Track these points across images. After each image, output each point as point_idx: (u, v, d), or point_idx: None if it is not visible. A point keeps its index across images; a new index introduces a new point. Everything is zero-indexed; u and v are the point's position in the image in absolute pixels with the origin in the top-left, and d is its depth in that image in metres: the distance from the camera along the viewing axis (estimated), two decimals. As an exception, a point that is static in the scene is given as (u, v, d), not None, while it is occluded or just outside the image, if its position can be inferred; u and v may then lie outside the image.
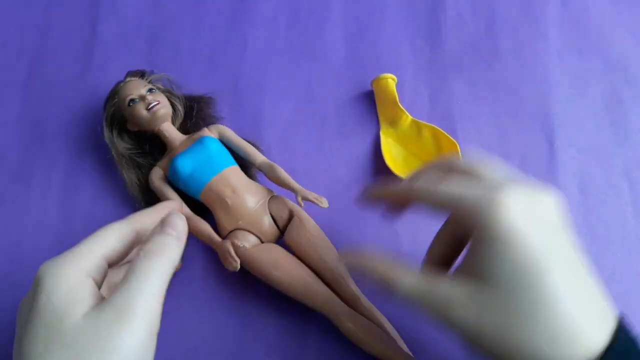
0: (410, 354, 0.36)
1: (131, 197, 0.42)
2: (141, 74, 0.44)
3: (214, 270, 0.41)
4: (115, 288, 0.24)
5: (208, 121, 0.45)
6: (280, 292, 0.37)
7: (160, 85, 0.45)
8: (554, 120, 0.46)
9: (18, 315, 0.27)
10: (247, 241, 0.38)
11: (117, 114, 0.43)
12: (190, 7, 0.51)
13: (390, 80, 0.45)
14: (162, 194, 0.41)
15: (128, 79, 0.43)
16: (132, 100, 0.41)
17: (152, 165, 0.42)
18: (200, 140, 0.41)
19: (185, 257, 0.40)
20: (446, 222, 0.33)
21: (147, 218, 0.30)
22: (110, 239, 0.27)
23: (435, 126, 0.44)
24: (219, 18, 0.51)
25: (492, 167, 0.28)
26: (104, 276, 0.27)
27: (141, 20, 0.51)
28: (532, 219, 0.24)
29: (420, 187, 0.29)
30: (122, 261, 0.29)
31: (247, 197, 0.39)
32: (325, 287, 0.37)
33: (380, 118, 0.45)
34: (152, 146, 0.44)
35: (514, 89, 0.47)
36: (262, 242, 0.39)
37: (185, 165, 0.39)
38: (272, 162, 0.41)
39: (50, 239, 0.42)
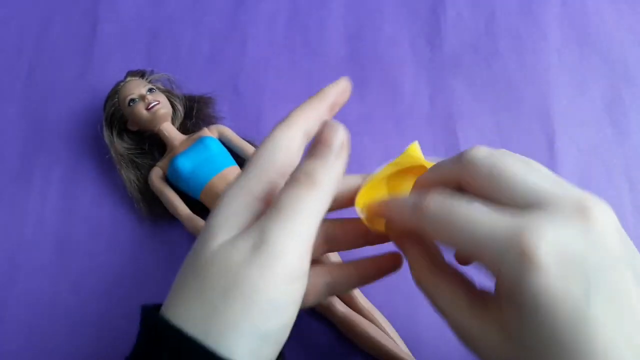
0: (409, 353, 0.36)
1: (130, 197, 0.42)
2: (141, 74, 0.44)
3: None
4: (259, 216, 0.21)
5: (208, 121, 0.45)
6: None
7: (160, 85, 0.45)
8: (554, 120, 0.46)
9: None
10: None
11: (117, 114, 0.43)
12: (190, 6, 0.51)
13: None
14: (161, 193, 0.41)
15: (128, 78, 0.43)
16: (132, 100, 0.41)
17: (151, 165, 0.43)
18: (200, 140, 0.41)
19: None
20: None
21: (312, 115, 0.25)
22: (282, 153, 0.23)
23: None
24: (219, 18, 0.51)
25: (514, 175, 0.21)
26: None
27: (141, 20, 0.51)
28: (574, 269, 0.18)
29: (428, 217, 0.21)
30: None
31: (247, 197, 0.39)
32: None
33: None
34: (152, 146, 0.44)
35: (514, 88, 0.47)
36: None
37: (185, 165, 0.39)
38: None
39: (50, 239, 0.42)
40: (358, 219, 0.26)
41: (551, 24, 0.50)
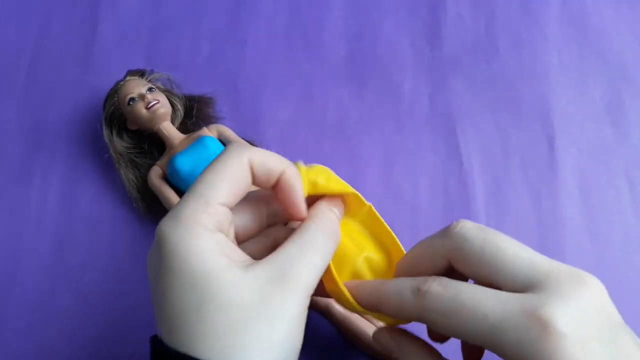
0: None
1: (129, 196, 0.42)
2: (141, 73, 0.44)
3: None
4: (278, 249, 0.22)
5: (208, 121, 0.45)
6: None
7: (160, 85, 0.45)
8: (554, 120, 0.46)
9: (149, 271, 0.23)
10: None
11: (116, 113, 0.43)
12: (190, 7, 0.51)
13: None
14: (160, 193, 0.41)
15: (128, 78, 0.43)
16: (132, 99, 0.41)
17: (150, 165, 0.43)
18: (200, 139, 0.41)
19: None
20: None
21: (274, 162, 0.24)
22: (229, 181, 0.22)
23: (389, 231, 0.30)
24: (219, 18, 0.51)
25: (509, 253, 0.21)
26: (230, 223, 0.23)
27: (141, 20, 0.51)
28: (591, 334, 0.19)
29: (432, 303, 0.21)
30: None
31: (246, 197, 0.39)
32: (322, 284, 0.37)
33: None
34: (151, 145, 0.44)
35: (514, 88, 0.47)
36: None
37: (185, 164, 0.39)
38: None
39: (50, 239, 0.42)
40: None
41: (551, 24, 0.50)
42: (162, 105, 0.41)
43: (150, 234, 0.42)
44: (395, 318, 0.25)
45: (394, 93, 0.47)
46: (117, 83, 0.43)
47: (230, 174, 0.22)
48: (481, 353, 0.26)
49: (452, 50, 0.49)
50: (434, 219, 0.42)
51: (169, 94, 0.44)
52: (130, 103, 0.41)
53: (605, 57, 0.48)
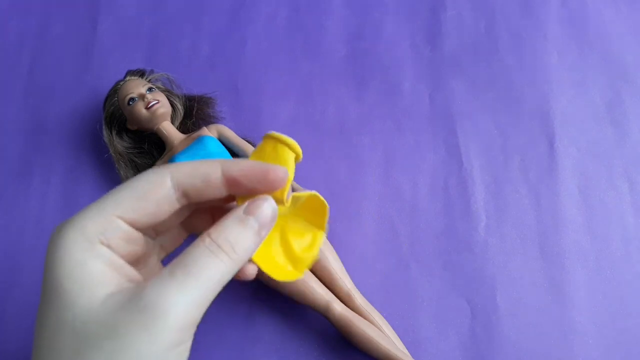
0: (407, 352, 0.36)
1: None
2: (141, 73, 0.44)
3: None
4: (154, 275, 0.19)
5: (208, 120, 0.45)
6: (277, 291, 0.37)
7: (160, 85, 0.45)
8: (554, 120, 0.46)
9: None
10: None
11: (116, 113, 0.43)
12: (190, 7, 0.51)
13: (289, 151, 0.24)
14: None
15: (128, 78, 0.43)
16: (132, 99, 0.41)
17: (150, 165, 0.43)
18: (199, 139, 0.41)
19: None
20: None
21: (210, 170, 0.21)
22: (135, 193, 0.20)
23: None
24: (219, 18, 0.51)
25: None
26: (136, 243, 0.21)
27: (141, 20, 0.51)
28: None
29: None
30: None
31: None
32: (321, 285, 0.37)
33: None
34: (151, 145, 0.44)
35: (514, 88, 0.47)
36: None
37: (185, 164, 0.39)
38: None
39: (50, 239, 0.42)
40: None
41: (551, 23, 0.50)
42: (162, 105, 0.41)
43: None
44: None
45: (394, 93, 0.47)
46: (117, 83, 0.43)
47: (140, 188, 0.20)
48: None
49: (452, 50, 0.49)
50: (434, 219, 0.42)
51: (168, 94, 0.44)
52: (130, 103, 0.41)
53: (605, 57, 0.48)
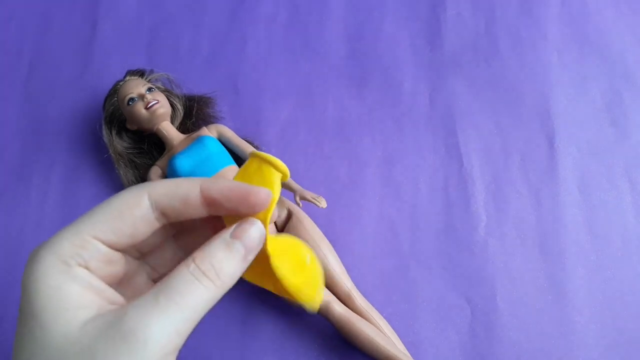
0: (407, 352, 0.36)
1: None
2: (141, 73, 0.44)
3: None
4: (135, 299, 0.18)
5: (207, 121, 0.45)
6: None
7: (159, 85, 0.45)
8: (554, 120, 0.46)
9: None
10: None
11: (116, 113, 0.43)
12: (190, 6, 0.51)
13: (274, 171, 0.22)
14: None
15: (127, 78, 0.43)
16: (132, 99, 0.41)
17: (150, 165, 0.43)
18: (199, 139, 0.41)
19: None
20: None
21: (188, 187, 0.20)
22: (114, 212, 0.19)
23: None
24: (219, 18, 0.51)
25: None
26: (117, 264, 0.20)
27: (141, 20, 0.51)
28: None
29: None
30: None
31: (246, 197, 0.39)
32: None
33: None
34: (151, 145, 0.44)
35: (514, 88, 0.47)
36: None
37: (184, 164, 0.39)
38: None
39: (50, 239, 0.42)
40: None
41: (551, 23, 0.50)
42: (161, 105, 0.41)
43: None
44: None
45: (394, 93, 0.47)
46: (117, 83, 0.43)
47: (116, 209, 0.19)
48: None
49: (452, 50, 0.49)
50: (434, 219, 0.42)
51: (168, 94, 0.44)
52: (130, 103, 0.41)
53: (605, 56, 0.48)
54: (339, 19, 0.51)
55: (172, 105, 0.43)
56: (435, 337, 0.38)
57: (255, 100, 0.47)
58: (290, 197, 0.40)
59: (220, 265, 0.19)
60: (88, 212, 0.19)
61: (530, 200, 0.43)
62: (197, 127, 0.44)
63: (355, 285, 0.38)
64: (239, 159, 0.42)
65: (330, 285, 0.37)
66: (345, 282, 0.37)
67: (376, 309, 0.38)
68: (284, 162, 0.44)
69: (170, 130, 0.42)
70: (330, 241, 0.40)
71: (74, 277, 0.18)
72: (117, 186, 0.43)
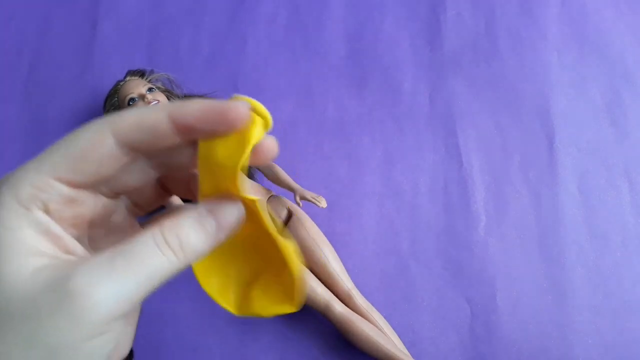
0: (407, 352, 0.36)
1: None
2: (141, 73, 0.44)
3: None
4: (89, 257, 0.17)
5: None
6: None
7: (160, 85, 0.45)
8: (554, 120, 0.46)
9: None
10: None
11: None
12: (190, 6, 0.51)
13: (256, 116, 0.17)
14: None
15: (128, 78, 0.43)
16: (132, 99, 0.41)
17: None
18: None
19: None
20: None
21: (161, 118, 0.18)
22: (77, 147, 0.18)
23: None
24: (219, 18, 0.51)
25: None
26: (82, 204, 0.19)
27: (141, 20, 0.51)
28: None
29: None
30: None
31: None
32: (321, 284, 0.37)
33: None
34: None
35: (513, 88, 0.47)
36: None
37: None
38: (271, 162, 0.41)
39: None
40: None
41: (551, 24, 0.50)
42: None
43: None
44: None
45: (394, 93, 0.47)
46: (117, 83, 0.43)
47: (78, 147, 0.18)
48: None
49: (452, 50, 0.49)
50: (434, 219, 0.42)
51: (169, 94, 0.44)
52: (130, 103, 0.41)
53: (605, 56, 0.48)
54: (339, 19, 0.51)
55: (172, 105, 0.43)
56: (435, 337, 0.38)
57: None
58: (290, 197, 0.40)
59: (188, 239, 0.18)
60: (50, 148, 0.17)
61: (530, 200, 0.43)
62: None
63: (356, 285, 0.38)
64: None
65: (330, 285, 0.37)
66: (345, 282, 0.38)
67: (376, 308, 0.38)
68: (284, 162, 0.44)
69: (170, 130, 0.42)
70: (330, 241, 0.40)
71: (31, 221, 0.17)
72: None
